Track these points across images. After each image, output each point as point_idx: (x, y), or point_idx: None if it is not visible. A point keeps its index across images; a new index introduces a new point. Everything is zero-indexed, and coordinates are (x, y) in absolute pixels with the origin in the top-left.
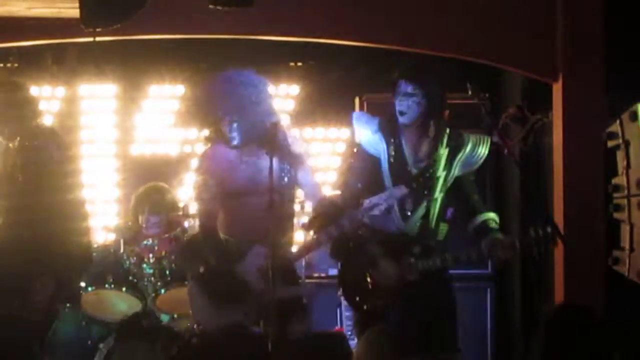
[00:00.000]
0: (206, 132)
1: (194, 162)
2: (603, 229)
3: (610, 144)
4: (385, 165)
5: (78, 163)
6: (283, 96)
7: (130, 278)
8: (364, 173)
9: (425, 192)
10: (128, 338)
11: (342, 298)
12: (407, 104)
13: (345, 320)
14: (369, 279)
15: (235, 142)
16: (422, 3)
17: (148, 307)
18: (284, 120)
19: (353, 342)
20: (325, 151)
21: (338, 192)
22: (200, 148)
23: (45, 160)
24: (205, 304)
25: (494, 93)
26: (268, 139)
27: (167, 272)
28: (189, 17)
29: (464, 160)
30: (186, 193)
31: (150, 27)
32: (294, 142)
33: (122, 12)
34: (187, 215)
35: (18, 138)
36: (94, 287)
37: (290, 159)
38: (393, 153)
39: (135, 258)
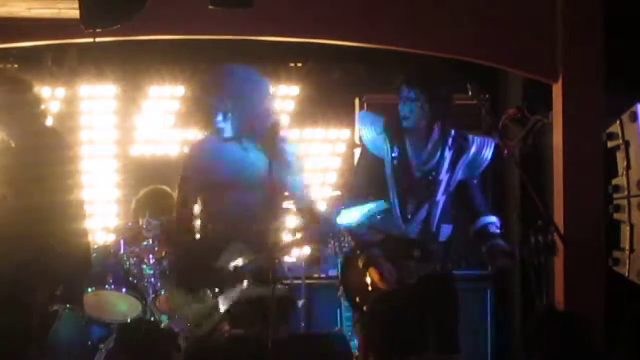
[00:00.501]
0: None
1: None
2: (603, 229)
3: (610, 144)
4: (388, 167)
5: (79, 163)
6: (283, 97)
7: (130, 279)
8: (369, 172)
9: (427, 195)
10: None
11: (342, 298)
12: (409, 109)
13: (345, 320)
14: (369, 279)
15: (226, 134)
16: (422, 3)
17: (148, 307)
18: (283, 121)
19: (353, 343)
20: (325, 152)
21: (338, 192)
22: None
23: (49, 160)
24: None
25: (494, 93)
26: (268, 139)
27: (167, 273)
28: (189, 18)
29: (467, 163)
30: None
31: (150, 28)
32: (286, 144)
33: (122, 12)
34: None
35: (23, 137)
36: (94, 288)
37: (283, 161)
38: (397, 155)
39: (135, 259)
